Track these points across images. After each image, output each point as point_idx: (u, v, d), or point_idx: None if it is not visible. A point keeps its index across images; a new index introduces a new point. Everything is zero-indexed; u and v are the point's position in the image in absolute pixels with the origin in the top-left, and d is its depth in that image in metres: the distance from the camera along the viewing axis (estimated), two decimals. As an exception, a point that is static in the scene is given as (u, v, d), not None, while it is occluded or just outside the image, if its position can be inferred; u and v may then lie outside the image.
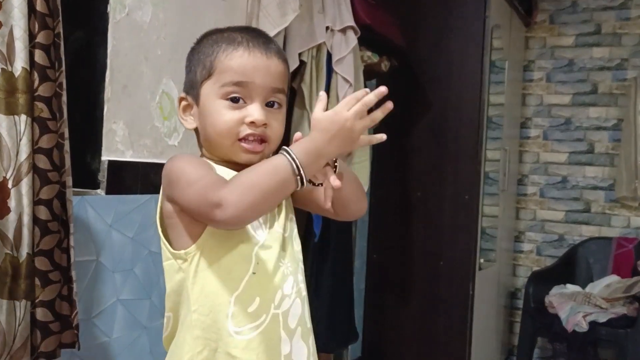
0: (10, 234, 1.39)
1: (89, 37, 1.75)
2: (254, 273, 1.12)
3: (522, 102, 4.22)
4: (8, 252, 1.40)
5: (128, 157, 1.85)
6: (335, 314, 2.77)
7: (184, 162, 1.11)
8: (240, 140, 1.13)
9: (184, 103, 1.20)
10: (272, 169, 1.02)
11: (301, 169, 1.01)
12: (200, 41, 1.21)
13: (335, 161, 1.11)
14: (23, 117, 1.41)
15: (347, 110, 1.06)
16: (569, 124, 4.11)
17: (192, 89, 1.18)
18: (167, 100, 1.96)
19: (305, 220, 2.51)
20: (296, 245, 1.24)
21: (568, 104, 4.11)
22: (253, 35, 1.18)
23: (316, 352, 1.26)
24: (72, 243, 1.53)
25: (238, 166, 1.15)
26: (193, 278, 1.11)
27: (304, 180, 1.02)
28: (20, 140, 1.41)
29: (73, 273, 1.54)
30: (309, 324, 1.23)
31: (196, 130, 1.21)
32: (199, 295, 1.12)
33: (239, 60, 1.13)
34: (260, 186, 1.02)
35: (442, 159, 3.42)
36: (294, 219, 1.26)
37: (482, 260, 3.44)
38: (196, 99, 1.17)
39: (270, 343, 1.13)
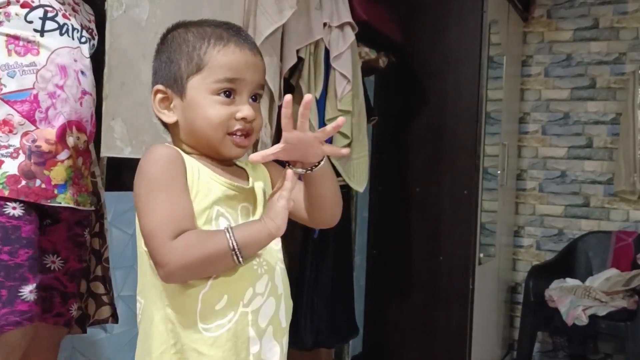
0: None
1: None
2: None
3: (520, 97, 4.23)
4: None
5: (127, 154, 1.85)
6: (336, 309, 2.78)
7: (151, 179, 1.11)
8: (229, 134, 1.16)
9: (160, 96, 1.19)
10: (217, 248, 1.07)
11: (239, 253, 1.08)
12: (175, 34, 1.20)
13: (319, 162, 1.13)
14: None
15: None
16: (567, 119, 4.11)
17: (174, 82, 1.17)
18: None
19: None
20: (276, 244, 1.23)
21: (566, 99, 4.11)
22: (235, 30, 1.20)
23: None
24: (106, 227, 1.68)
25: (215, 160, 1.19)
26: None
27: (241, 261, 1.09)
28: None
29: (108, 255, 1.69)
30: (284, 324, 1.22)
31: (173, 124, 1.20)
32: (170, 291, 1.13)
33: (231, 57, 1.15)
34: (201, 261, 1.07)
35: (440, 155, 3.42)
36: None
37: (481, 255, 3.44)
38: (181, 92, 1.17)
39: (237, 341, 1.13)
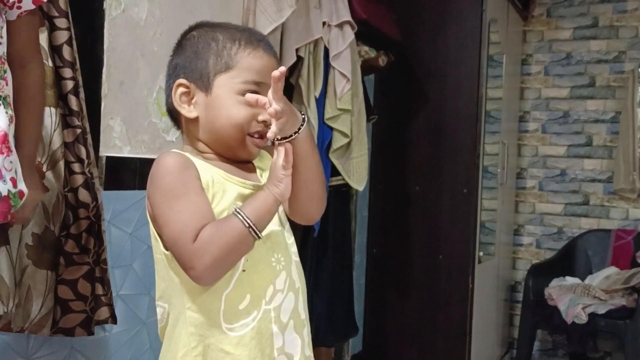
0: (50, 210, 1.54)
1: (85, 34, 1.76)
2: (243, 270, 1.15)
3: (520, 96, 4.23)
4: (47, 224, 1.54)
5: (126, 153, 1.86)
6: (335, 308, 2.78)
7: (165, 188, 1.11)
8: (249, 135, 1.18)
9: (182, 90, 1.19)
10: (234, 234, 1.08)
11: (255, 228, 1.09)
12: (202, 31, 1.21)
13: (298, 131, 1.14)
14: (53, 109, 1.54)
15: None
16: (567, 117, 4.11)
17: (200, 77, 1.18)
18: (164, 96, 1.96)
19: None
20: (289, 238, 1.26)
21: (566, 97, 4.11)
22: (261, 36, 1.24)
23: (311, 342, 1.28)
24: (104, 228, 1.68)
25: (227, 160, 1.20)
26: (183, 277, 1.13)
27: (259, 235, 1.10)
28: (54, 130, 1.55)
29: (106, 256, 1.68)
30: (303, 316, 1.25)
31: (190, 120, 1.20)
32: (192, 293, 1.14)
33: (260, 61, 1.18)
34: (225, 252, 1.08)
35: (440, 153, 3.42)
36: (285, 213, 1.27)
37: (481, 254, 3.45)
38: (206, 88, 1.17)
39: (262, 338, 1.16)
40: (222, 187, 1.16)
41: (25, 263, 1.49)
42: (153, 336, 1.96)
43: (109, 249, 1.79)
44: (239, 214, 1.09)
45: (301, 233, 2.72)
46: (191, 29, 1.24)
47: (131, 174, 1.88)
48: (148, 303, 1.95)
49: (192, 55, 1.19)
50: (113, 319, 1.71)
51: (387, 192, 3.55)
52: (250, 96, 1.13)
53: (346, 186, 2.78)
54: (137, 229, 1.90)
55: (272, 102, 1.08)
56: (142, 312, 1.94)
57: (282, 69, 1.08)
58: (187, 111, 1.19)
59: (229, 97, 1.16)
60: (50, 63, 1.53)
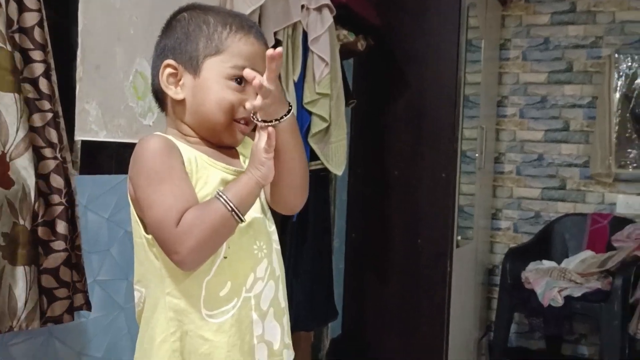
0: (17, 205, 1.49)
1: (59, 17, 1.72)
2: (225, 257, 1.14)
3: (498, 81, 4.24)
4: (15, 220, 1.49)
5: (102, 137, 1.83)
6: (314, 292, 2.79)
7: (150, 171, 1.09)
8: (235, 120, 1.17)
9: (170, 71, 1.18)
10: (217, 217, 1.07)
11: (237, 211, 1.08)
12: (194, 13, 1.19)
13: (281, 119, 1.12)
14: (17, 95, 1.48)
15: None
16: (544, 102, 4.14)
17: (189, 60, 1.16)
18: (141, 80, 1.94)
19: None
20: (270, 226, 1.26)
21: (544, 82, 4.14)
22: (252, 23, 1.23)
23: (290, 330, 1.28)
24: (77, 214, 1.64)
25: (211, 145, 1.19)
26: (164, 262, 1.12)
27: (242, 218, 1.10)
28: (20, 117, 1.49)
29: (80, 242, 1.65)
30: (282, 304, 1.25)
31: (175, 103, 1.19)
32: (173, 278, 1.13)
33: (251, 48, 1.17)
34: (208, 236, 1.07)
35: (419, 138, 3.43)
36: (267, 202, 1.27)
37: (459, 238, 3.47)
38: (195, 71, 1.16)
39: (242, 325, 1.16)
40: (206, 172, 1.15)
41: (1, 264, 1.46)
42: (131, 321, 1.94)
43: (86, 234, 1.77)
44: (222, 197, 1.08)
45: (280, 218, 2.71)
46: (182, 10, 1.22)
47: (108, 158, 1.85)
48: (126, 288, 1.94)
49: (182, 36, 1.18)
50: (87, 305, 1.69)
51: (366, 176, 3.56)
52: (248, 71, 1.10)
53: (325, 171, 2.78)
54: (114, 213, 1.88)
55: (264, 80, 1.07)
56: (119, 297, 1.93)
57: (280, 49, 1.07)
58: (174, 92, 1.18)
59: (218, 81, 1.15)
60: (9, 47, 1.46)
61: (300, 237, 2.75)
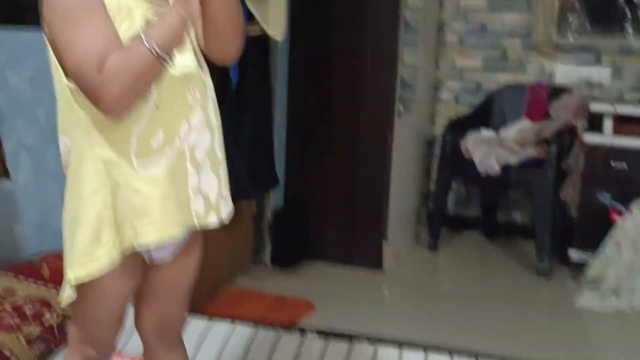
0: None
1: None
2: (156, 107, 1.08)
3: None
4: None
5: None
6: (255, 160, 2.76)
7: (64, 9, 1.01)
8: None
9: None
10: (142, 62, 1.00)
11: (163, 55, 1.01)
12: None
13: None
14: None
15: None
16: (489, -30, 4.03)
17: None
18: None
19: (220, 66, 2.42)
20: (204, 74, 1.20)
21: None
22: None
23: (231, 197, 1.25)
24: None
25: None
26: (91, 111, 1.05)
27: (168, 62, 1.03)
28: None
29: None
30: (219, 155, 1.22)
31: None
32: (100, 128, 1.07)
33: None
34: (135, 82, 1.01)
35: (362, 6, 3.33)
36: (200, 50, 1.21)
37: (401, 109, 3.46)
38: None
39: (176, 177, 1.12)
40: (130, 12, 1.07)
41: None
42: (64, 187, 1.88)
43: (7, 96, 1.66)
44: (146, 40, 1.00)
45: (218, 84, 2.63)
46: None
47: (32, 9, 1.70)
48: (56, 154, 1.85)
49: None
50: (6, 174, 1.60)
51: (308, 46, 3.46)
52: None
53: (265, 37, 2.67)
54: (39, 74, 1.76)
55: None
56: (50, 163, 1.85)
57: None
58: None
59: None
60: None
61: (239, 105, 2.68)
